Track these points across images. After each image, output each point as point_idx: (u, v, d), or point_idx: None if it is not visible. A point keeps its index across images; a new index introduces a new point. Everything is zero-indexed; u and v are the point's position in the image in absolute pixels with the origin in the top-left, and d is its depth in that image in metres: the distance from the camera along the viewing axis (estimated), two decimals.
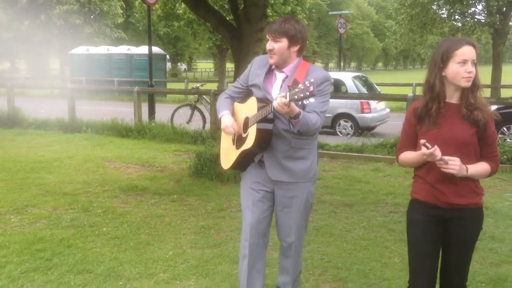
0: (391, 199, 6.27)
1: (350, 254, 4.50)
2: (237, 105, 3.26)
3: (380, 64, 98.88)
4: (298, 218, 3.17)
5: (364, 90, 13.26)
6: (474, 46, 2.54)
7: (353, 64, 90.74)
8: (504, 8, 21.80)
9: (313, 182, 3.19)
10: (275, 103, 2.71)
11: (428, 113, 2.60)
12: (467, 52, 2.52)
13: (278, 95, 2.77)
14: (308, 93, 2.57)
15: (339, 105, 12.34)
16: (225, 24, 7.54)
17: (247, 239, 3.15)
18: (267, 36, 3.04)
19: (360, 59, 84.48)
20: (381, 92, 14.35)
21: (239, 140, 3.14)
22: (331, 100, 3.32)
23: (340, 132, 12.67)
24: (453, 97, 2.61)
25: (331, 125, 12.67)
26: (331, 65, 77.15)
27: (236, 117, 3.22)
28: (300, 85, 2.62)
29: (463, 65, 2.51)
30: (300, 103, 2.65)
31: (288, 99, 2.62)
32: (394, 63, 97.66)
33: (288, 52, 3.01)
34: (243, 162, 3.17)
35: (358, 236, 4.98)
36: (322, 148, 9.25)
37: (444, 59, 2.55)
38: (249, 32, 7.06)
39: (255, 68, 3.18)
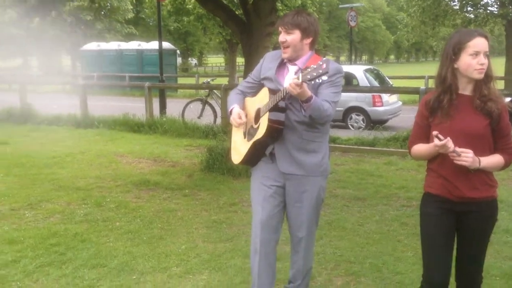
0: (404, 193, 6.23)
1: (362, 248, 4.49)
2: (248, 100, 3.25)
3: (392, 57, 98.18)
4: (309, 214, 3.15)
5: (375, 83, 13.17)
6: (486, 38, 2.51)
7: (364, 57, 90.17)
8: None
9: (324, 177, 3.17)
10: (286, 84, 2.70)
11: (440, 105, 2.57)
12: (479, 43, 2.49)
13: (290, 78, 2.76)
14: (321, 71, 2.56)
15: (350, 98, 12.26)
16: (234, 19, 7.47)
17: (258, 235, 3.13)
18: (279, 29, 3.03)
19: (372, 52, 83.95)
20: (393, 85, 14.23)
21: (250, 132, 3.14)
22: (343, 94, 3.30)
23: (352, 125, 12.60)
24: (466, 89, 2.58)
25: (342, 119, 12.60)
26: (342, 58, 76.81)
27: (248, 110, 3.21)
28: (312, 65, 2.61)
29: (475, 57, 2.48)
30: (313, 83, 2.63)
31: (300, 80, 2.62)
32: (406, 56, 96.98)
33: (301, 44, 3.00)
34: (254, 154, 3.15)
35: (370, 230, 4.96)
36: (333, 142, 9.22)
37: (456, 51, 2.52)
38: (258, 27, 6.98)
39: (267, 62, 3.18)
